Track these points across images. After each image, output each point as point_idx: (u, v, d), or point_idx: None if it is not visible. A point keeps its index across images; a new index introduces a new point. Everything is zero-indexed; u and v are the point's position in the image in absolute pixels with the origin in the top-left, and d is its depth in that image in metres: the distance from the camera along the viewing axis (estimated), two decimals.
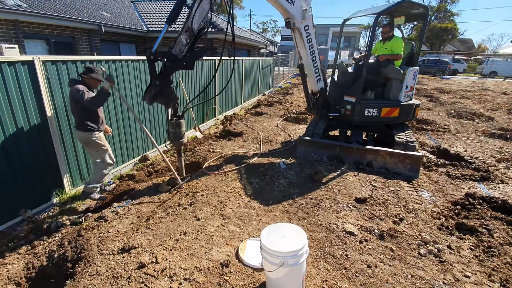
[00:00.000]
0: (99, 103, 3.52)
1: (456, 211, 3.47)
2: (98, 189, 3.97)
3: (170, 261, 2.52)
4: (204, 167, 4.66)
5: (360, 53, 6.08)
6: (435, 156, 5.52)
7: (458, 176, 4.53)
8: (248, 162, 4.84)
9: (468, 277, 2.46)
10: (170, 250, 2.68)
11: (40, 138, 3.52)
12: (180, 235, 2.90)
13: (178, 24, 9.10)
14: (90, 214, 3.51)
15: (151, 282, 2.28)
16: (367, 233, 3.02)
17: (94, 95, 3.49)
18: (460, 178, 4.47)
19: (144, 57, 5.13)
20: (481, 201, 3.65)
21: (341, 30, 5.85)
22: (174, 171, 3.94)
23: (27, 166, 3.41)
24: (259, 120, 8.06)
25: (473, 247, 2.87)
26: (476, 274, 2.51)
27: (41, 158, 3.56)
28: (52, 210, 3.71)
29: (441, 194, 3.97)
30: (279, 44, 42.71)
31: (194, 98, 5.10)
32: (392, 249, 2.77)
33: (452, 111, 9.55)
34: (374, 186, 4.06)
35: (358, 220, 3.25)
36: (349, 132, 5.74)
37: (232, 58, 4.31)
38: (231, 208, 3.45)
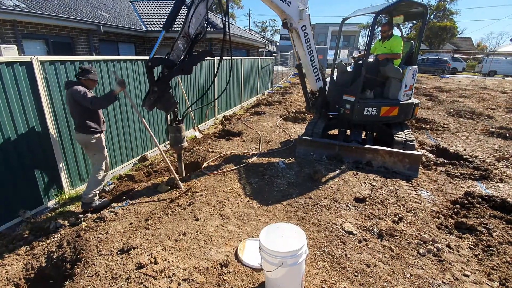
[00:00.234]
0: (104, 105, 3.48)
1: (455, 210, 3.47)
2: (97, 196, 3.76)
3: (169, 261, 2.51)
4: (203, 167, 4.66)
5: (359, 52, 6.07)
6: (434, 155, 5.52)
7: (457, 175, 4.53)
8: (247, 162, 4.83)
9: (467, 276, 2.46)
10: (169, 250, 2.67)
11: (39, 138, 3.51)
12: (179, 235, 2.90)
13: (177, 24, 9.08)
14: (89, 214, 3.51)
15: (150, 283, 2.27)
16: (366, 233, 3.02)
17: (96, 96, 3.43)
18: (459, 177, 4.47)
19: (143, 57, 5.13)
20: (480, 200, 3.66)
21: (340, 29, 5.84)
22: (175, 174, 3.87)
23: (25, 167, 3.41)
24: (258, 120, 8.05)
25: (472, 246, 2.88)
26: (475, 273, 2.51)
27: (39, 158, 3.55)
28: (51, 211, 3.70)
29: (440, 193, 3.97)
30: (278, 44, 42.72)
31: (194, 103, 5.10)
32: (391, 249, 2.77)
33: (451, 110, 9.55)
34: (374, 186, 4.06)
35: (357, 219, 3.25)
36: (348, 132, 5.74)
37: (230, 58, 4.30)
38: (230, 208, 3.45)
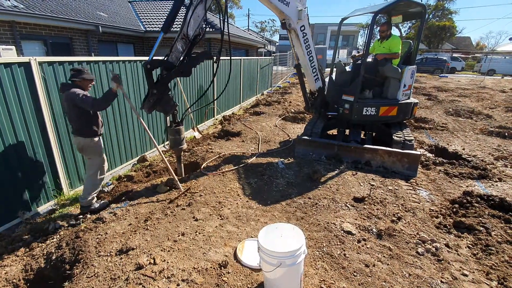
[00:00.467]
0: (105, 105, 3.33)
1: (454, 210, 3.48)
2: (95, 198, 3.70)
3: (168, 262, 2.52)
4: (202, 167, 4.66)
5: (358, 52, 6.09)
6: (433, 155, 5.53)
7: (456, 174, 4.54)
8: (246, 162, 4.83)
9: (466, 275, 2.47)
10: (168, 251, 2.67)
11: (38, 139, 3.51)
12: (178, 236, 2.90)
13: (176, 24, 9.04)
14: (88, 215, 3.51)
15: (149, 284, 2.28)
16: (365, 232, 3.03)
17: (95, 98, 3.36)
18: (458, 177, 4.48)
19: (142, 58, 5.13)
20: (479, 199, 3.66)
21: (339, 29, 5.85)
22: (174, 175, 3.87)
23: (24, 168, 3.40)
24: (257, 120, 8.05)
25: (471, 246, 2.88)
26: (474, 272, 2.52)
27: (38, 159, 3.55)
28: (50, 212, 3.70)
29: (439, 193, 3.98)
30: (277, 43, 42.75)
31: (193, 104, 5.09)
32: (390, 248, 2.78)
33: (450, 110, 9.56)
34: (372, 185, 4.06)
35: (356, 219, 3.26)
36: (347, 131, 5.74)
37: (230, 58, 4.30)
38: (229, 209, 3.45)
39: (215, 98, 8.03)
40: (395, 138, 4.83)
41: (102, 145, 3.63)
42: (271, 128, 7.26)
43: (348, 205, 3.55)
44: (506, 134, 6.71)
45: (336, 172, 4.47)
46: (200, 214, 3.29)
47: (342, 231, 3.02)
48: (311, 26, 4.76)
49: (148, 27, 12.94)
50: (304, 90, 5.55)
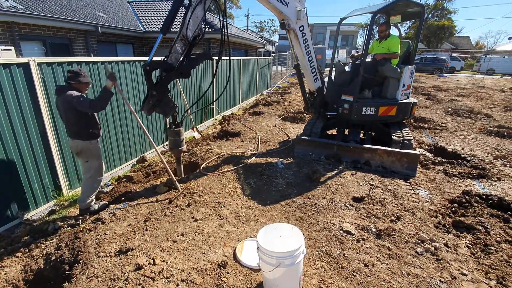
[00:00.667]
0: (103, 105, 3.20)
1: (453, 209, 3.48)
2: (94, 200, 3.64)
3: (167, 262, 2.52)
4: (202, 167, 4.66)
5: (357, 52, 6.09)
6: (433, 154, 5.54)
7: (455, 174, 4.55)
8: (246, 162, 4.84)
9: (465, 274, 2.47)
10: (168, 251, 2.67)
11: (37, 140, 3.51)
12: (178, 236, 2.90)
13: (175, 24, 9.04)
14: (87, 216, 3.50)
15: (148, 284, 2.28)
16: (365, 232, 3.03)
17: (92, 99, 3.23)
18: (457, 176, 4.49)
19: (142, 58, 5.13)
20: (478, 198, 3.67)
21: (338, 29, 5.85)
22: (173, 176, 3.87)
23: (24, 169, 3.40)
24: (257, 120, 8.06)
25: (470, 245, 2.89)
26: (473, 271, 2.52)
27: (38, 160, 3.55)
28: (50, 212, 3.70)
29: (438, 192, 3.99)
30: (277, 43, 42.75)
31: (193, 105, 5.08)
32: (389, 248, 2.78)
33: (450, 109, 9.58)
34: (372, 185, 4.07)
35: (355, 219, 3.26)
36: (346, 131, 5.75)
37: (229, 58, 4.30)
38: (228, 209, 3.45)
39: (214, 99, 8.02)
40: (394, 137, 4.83)
41: (100, 148, 3.58)
42: (271, 128, 7.26)
43: (348, 205, 3.56)
44: (505, 133, 6.72)
45: (335, 172, 4.47)
46: (200, 215, 3.29)
47: (341, 231, 3.02)
48: (310, 26, 4.79)
49: (147, 27, 12.94)
50: (303, 90, 5.55)
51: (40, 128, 3.53)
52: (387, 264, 2.58)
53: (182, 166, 4.30)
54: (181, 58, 3.55)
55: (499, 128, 7.16)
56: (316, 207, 3.52)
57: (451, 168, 4.74)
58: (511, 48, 35.59)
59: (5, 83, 3.09)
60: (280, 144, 5.95)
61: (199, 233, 2.95)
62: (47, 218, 3.56)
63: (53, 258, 2.72)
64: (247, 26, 48.58)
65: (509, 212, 3.38)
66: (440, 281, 2.39)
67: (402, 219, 3.27)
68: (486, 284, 2.38)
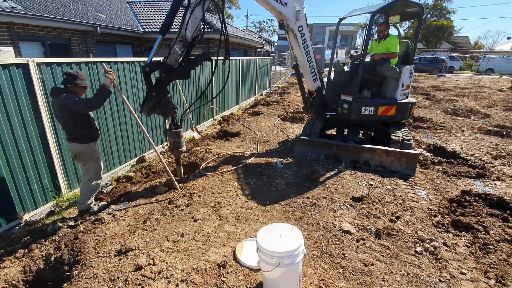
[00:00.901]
0: (99, 103, 3.09)
1: (452, 209, 3.49)
2: (93, 202, 3.61)
3: (167, 262, 2.52)
4: (201, 168, 4.67)
5: (356, 52, 6.10)
6: (432, 154, 5.55)
7: (454, 173, 4.55)
8: (245, 162, 4.84)
9: (464, 274, 2.48)
10: (167, 251, 2.68)
11: (36, 141, 3.50)
12: (177, 236, 2.90)
13: (175, 24, 9.03)
14: (87, 216, 3.50)
15: (148, 284, 2.28)
16: (364, 232, 3.03)
17: (88, 98, 3.17)
18: (456, 176, 4.50)
19: (141, 58, 5.13)
20: (477, 198, 3.68)
21: (337, 29, 5.86)
22: (172, 176, 3.86)
23: (23, 170, 3.40)
24: (256, 120, 8.06)
25: (469, 244, 2.89)
26: (472, 271, 2.53)
27: (37, 161, 3.54)
28: (49, 213, 3.69)
29: (437, 192, 3.99)
30: (276, 44, 42.72)
31: (192, 105, 5.07)
32: (388, 247, 2.79)
33: (449, 109, 9.59)
34: (371, 185, 4.08)
35: (355, 218, 3.27)
36: (346, 131, 5.76)
37: (228, 58, 4.30)
38: (228, 209, 3.45)
39: (213, 97, 8.02)
40: (393, 137, 4.84)
41: (99, 149, 3.55)
42: (270, 128, 7.26)
43: (347, 205, 3.56)
44: (504, 133, 6.74)
45: (334, 171, 4.47)
46: (199, 215, 3.29)
47: (341, 231, 3.03)
48: (309, 26, 4.78)
49: (147, 27, 12.93)
50: (302, 90, 5.56)
51: (40, 129, 3.53)
52: (386, 263, 2.58)
53: (181, 166, 4.30)
54: (180, 59, 3.55)
55: (498, 128, 7.17)
56: (315, 207, 3.52)
57: (450, 168, 4.75)
58: (510, 47, 35.71)
59: (4, 83, 3.09)
60: (279, 144, 5.96)
61: (198, 233, 2.95)
62: (47, 218, 3.56)
63: (52, 258, 2.72)
64: (246, 26, 48.56)
65: (508, 211, 3.39)
66: (440, 280, 2.40)
67: (401, 219, 3.28)
68: (485, 283, 2.39)
